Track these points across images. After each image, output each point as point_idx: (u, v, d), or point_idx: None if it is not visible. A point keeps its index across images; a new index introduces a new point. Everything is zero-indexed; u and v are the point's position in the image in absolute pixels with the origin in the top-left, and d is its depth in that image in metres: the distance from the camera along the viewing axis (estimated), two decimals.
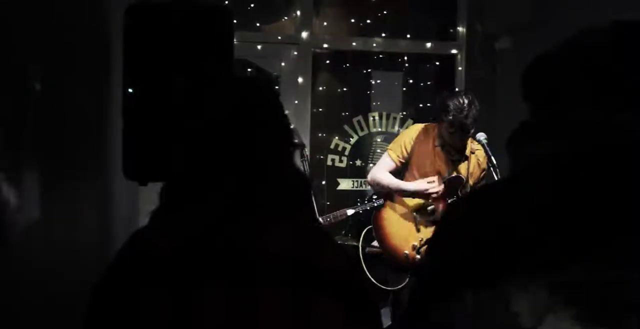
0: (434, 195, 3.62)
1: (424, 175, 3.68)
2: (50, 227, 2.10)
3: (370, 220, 3.83)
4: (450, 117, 3.44)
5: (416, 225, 3.71)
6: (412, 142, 3.72)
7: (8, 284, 1.83)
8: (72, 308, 1.41)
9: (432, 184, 3.61)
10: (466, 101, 3.43)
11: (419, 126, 3.84)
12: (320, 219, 3.79)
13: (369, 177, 3.88)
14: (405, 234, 3.71)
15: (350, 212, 3.95)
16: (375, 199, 3.94)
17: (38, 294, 1.94)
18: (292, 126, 1.53)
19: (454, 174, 3.65)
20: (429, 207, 3.69)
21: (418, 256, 3.65)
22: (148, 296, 1.30)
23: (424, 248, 3.65)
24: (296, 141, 1.53)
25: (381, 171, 3.80)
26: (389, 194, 3.81)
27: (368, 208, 3.91)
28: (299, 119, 4.82)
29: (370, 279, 3.68)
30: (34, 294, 1.93)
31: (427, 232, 3.68)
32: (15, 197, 1.90)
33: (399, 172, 3.86)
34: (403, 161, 3.77)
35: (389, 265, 3.78)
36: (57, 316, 1.98)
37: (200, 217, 1.35)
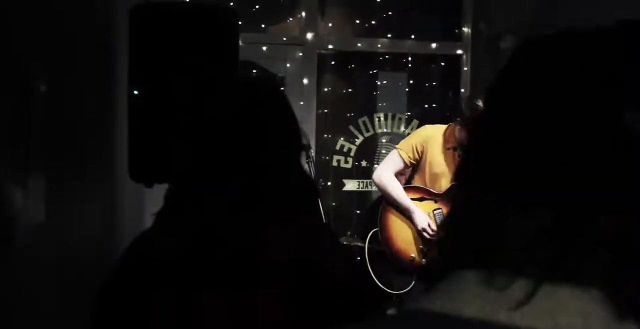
0: (425, 234, 3.62)
1: (434, 177, 3.66)
2: (56, 228, 2.11)
3: (377, 222, 3.81)
4: (465, 118, 3.43)
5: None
6: (424, 144, 3.69)
7: (14, 284, 1.83)
8: (77, 308, 1.42)
9: (430, 227, 3.60)
10: None
11: (431, 127, 3.80)
12: None
13: (375, 175, 3.84)
14: (411, 237, 3.69)
15: None
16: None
17: (44, 294, 1.95)
18: (300, 127, 1.53)
19: None
20: (436, 211, 3.68)
21: (424, 260, 3.63)
22: (152, 297, 1.31)
23: (430, 251, 3.64)
24: (304, 142, 1.53)
25: (389, 172, 3.75)
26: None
27: None
28: (305, 120, 4.82)
29: (375, 282, 3.66)
30: (40, 294, 1.94)
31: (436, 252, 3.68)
32: (21, 199, 1.91)
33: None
34: (413, 162, 3.73)
35: (394, 268, 3.76)
36: (63, 315, 1.99)
37: (205, 219, 1.35)
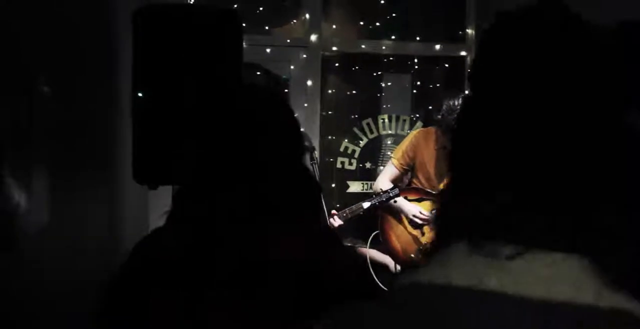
0: (417, 220, 3.66)
1: (428, 179, 3.72)
2: (60, 230, 2.11)
3: (377, 225, 3.85)
4: (439, 116, 3.51)
5: (421, 229, 3.73)
6: (413, 148, 3.76)
7: (18, 285, 1.84)
8: (81, 309, 1.42)
9: (420, 213, 3.65)
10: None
11: (418, 131, 3.90)
12: (336, 215, 3.78)
13: (374, 186, 3.94)
14: (410, 237, 3.73)
15: (366, 205, 3.86)
16: (391, 189, 3.82)
17: (48, 295, 1.95)
18: (302, 129, 1.53)
19: None
20: (433, 211, 3.70)
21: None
22: (158, 296, 1.31)
23: (428, 250, 3.68)
24: (306, 143, 1.53)
25: (385, 181, 3.83)
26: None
27: (384, 199, 3.78)
28: (309, 122, 4.83)
29: (377, 283, 3.69)
30: (44, 295, 1.94)
31: (432, 235, 3.70)
32: (25, 200, 1.91)
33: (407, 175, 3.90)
34: (406, 167, 3.81)
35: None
36: (67, 317, 1.99)
37: (209, 220, 1.36)
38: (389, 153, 5.03)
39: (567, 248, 0.64)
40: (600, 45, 0.70)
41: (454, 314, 0.64)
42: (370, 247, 3.94)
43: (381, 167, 4.92)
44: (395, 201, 3.69)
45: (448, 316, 0.64)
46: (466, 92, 4.10)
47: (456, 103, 3.47)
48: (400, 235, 3.76)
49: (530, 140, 0.68)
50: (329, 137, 5.06)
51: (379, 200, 3.74)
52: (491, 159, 0.70)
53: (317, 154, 4.01)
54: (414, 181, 3.82)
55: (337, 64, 5.09)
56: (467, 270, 0.66)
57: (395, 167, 3.83)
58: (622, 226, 0.65)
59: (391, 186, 3.79)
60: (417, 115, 5.20)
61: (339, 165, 5.09)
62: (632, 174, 0.68)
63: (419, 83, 5.18)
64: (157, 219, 1.45)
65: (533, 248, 0.65)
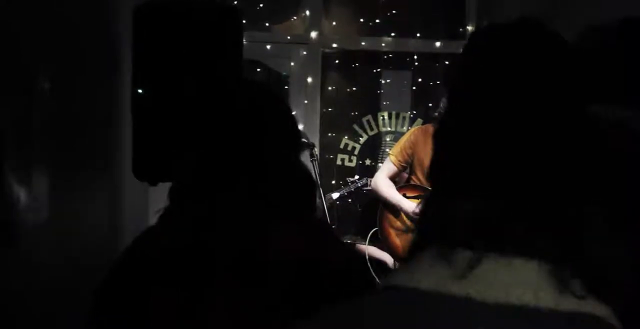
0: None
1: (426, 176, 3.72)
2: (60, 228, 2.11)
3: (376, 222, 3.86)
4: (436, 114, 3.51)
5: None
6: (411, 145, 3.75)
7: (18, 284, 1.84)
8: (81, 307, 1.42)
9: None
10: None
11: (417, 128, 3.89)
12: None
13: (372, 183, 3.92)
14: (408, 235, 3.74)
15: (335, 195, 3.90)
16: (358, 179, 3.88)
17: (48, 293, 1.95)
18: (300, 127, 1.53)
19: None
20: None
21: None
22: (153, 295, 1.31)
23: None
24: (304, 140, 1.53)
25: (383, 178, 3.82)
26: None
27: (352, 190, 3.84)
28: (309, 118, 4.82)
29: (375, 278, 3.70)
30: (44, 294, 1.94)
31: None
32: (25, 200, 1.91)
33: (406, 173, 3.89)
34: (404, 164, 3.80)
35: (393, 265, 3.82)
36: (67, 315, 1.99)
37: (206, 217, 1.36)
38: (388, 150, 5.03)
39: (529, 254, 0.65)
40: (578, 53, 0.71)
41: (420, 319, 0.65)
42: (370, 244, 3.94)
43: (381, 164, 4.92)
44: (364, 191, 3.74)
45: (415, 322, 0.65)
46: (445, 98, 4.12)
47: None
48: (398, 232, 3.77)
49: (504, 146, 0.69)
50: (329, 134, 5.06)
51: (347, 190, 3.82)
52: (466, 165, 0.72)
53: (317, 151, 4.01)
54: (413, 178, 3.81)
55: (337, 61, 5.09)
56: (434, 276, 0.68)
57: (393, 164, 3.81)
58: (588, 231, 0.66)
59: (389, 182, 3.79)
60: (415, 112, 5.20)
61: (339, 162, 5.09)
62: (597, 177, 0.69)
63: (419, 80, 5.18)
64: (156, 215, 1.45)
65: (496, 254, 0.66)
